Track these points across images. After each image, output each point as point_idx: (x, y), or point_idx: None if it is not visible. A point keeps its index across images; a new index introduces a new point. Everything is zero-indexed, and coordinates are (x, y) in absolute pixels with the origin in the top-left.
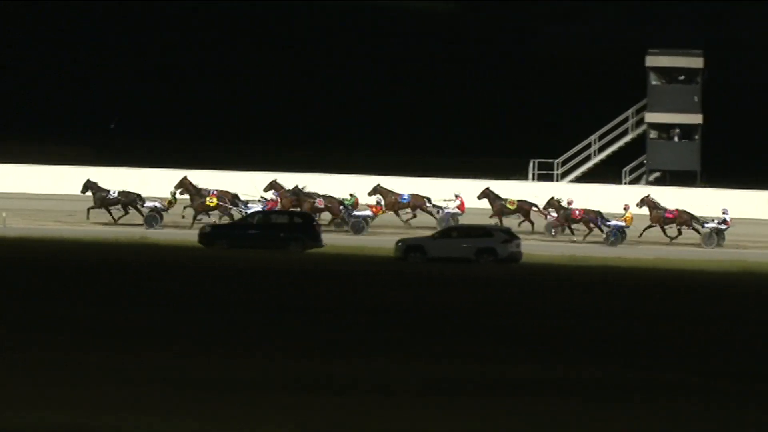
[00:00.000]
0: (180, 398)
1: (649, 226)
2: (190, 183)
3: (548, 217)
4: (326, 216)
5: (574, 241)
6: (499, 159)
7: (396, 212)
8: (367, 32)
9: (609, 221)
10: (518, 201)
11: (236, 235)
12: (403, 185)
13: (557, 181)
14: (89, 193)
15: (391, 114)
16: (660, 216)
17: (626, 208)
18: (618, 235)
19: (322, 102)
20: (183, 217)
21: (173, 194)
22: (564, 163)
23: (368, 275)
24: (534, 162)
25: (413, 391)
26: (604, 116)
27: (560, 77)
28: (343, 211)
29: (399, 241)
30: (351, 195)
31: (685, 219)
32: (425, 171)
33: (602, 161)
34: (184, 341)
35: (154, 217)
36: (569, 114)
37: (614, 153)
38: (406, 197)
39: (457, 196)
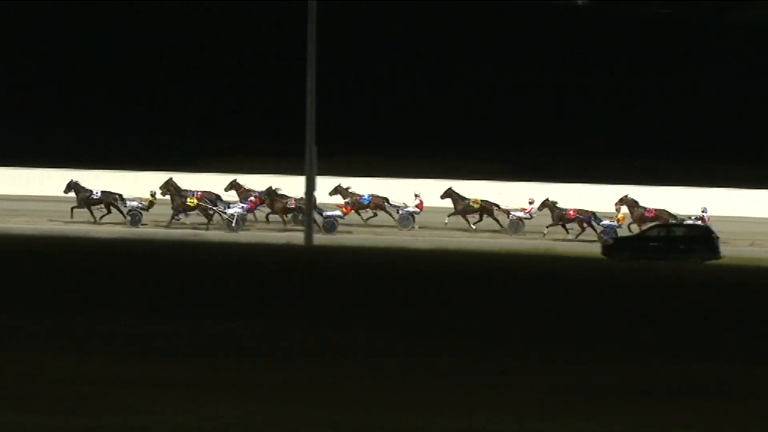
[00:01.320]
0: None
1: (632, 224)
2: (174, 184)
3: (510, 215)
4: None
5: (567, 240)
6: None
7: (357, 212)
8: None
9: (602, 221)
10: (482, 200)
11: (639, 246)
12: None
13: None
14: (72, 194)
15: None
16: (641, 214)
17: (618, 209)
18: (612, 233)
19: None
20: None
21: (153, 194)
22: None
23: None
24: None
25: None
26: None
27: None
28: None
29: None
30: (292, 198)
31: (665, 218)
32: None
33: None
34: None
35: (137, 215)
36: None
37: None
38: (366, 198)
39: (416, 195)
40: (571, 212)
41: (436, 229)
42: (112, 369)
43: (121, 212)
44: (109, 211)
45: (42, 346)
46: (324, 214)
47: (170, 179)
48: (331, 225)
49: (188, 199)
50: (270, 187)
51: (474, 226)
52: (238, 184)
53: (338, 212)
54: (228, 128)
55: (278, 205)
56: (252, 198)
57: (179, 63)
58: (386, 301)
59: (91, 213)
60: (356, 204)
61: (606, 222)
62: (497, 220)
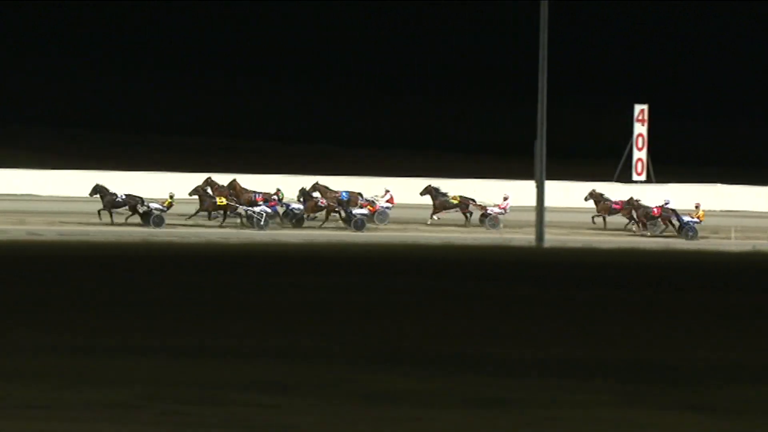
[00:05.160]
0: None
1: (597, 216)
2: (208, 185)
3: (489, 210)
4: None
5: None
6: None
7: (336, 210)
8: None
9: (683, 218)
10: (460, 197)
11: None
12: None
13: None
14: (97, 196)
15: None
16: (608, 207)
17: (698, 206)
18: (695, 230)
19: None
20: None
21: (171, 196)
22: None
23: None
24: None
25: None
26: None
27: None
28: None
29: None
30: (278, 189)
31: (629, 210)
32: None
33: None
34: None
35: (160, 217)
36: None
37: None
38: (345, 195)
39: (387, 191)
40: (655, 210)
41: (447, 224)
42: None
43: (140, 215)
44: (133, 214)
45: None
46: (354, 212)
47: (209, 178)
48: (361, 223)
49: (218, 199)
50: (303, 188)
51: (437, 218)
52: (213, 182)
53: (366, 210)
54: None
55: (310, 204)
56: (274, 197)
57: None
58: None
59: (110, 215)
60: (335, 200)
61: (687, 218)
62: (470, 214)
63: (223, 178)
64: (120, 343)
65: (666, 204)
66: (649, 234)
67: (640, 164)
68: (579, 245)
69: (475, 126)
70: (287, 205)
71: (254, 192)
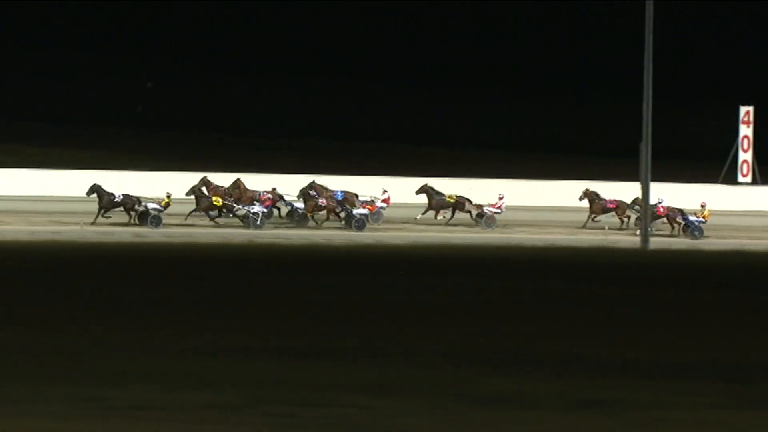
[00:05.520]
0: None
1: (593, 216)
2: (203, 185)
3: (485, 209)
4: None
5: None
6: None
7: (334, 210)
8: None
9: (688, 217)
10: (456, 196)
11: None
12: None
13: None
14: (94, 196)
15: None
16: (602, 206)
17: (703, 206)
18: (701, 230)
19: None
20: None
21: (169, 196)
22: None
23: None
24: None
25: None
26: None
27: None
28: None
29: None
30: (273, 189)
31: (624, 209)
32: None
33: None
34: None
35: (158, 217)
36: None
37: None
38: (340, 194)
39: (384, 191)
40: (661, 209)
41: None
42: None
43: (138, 215)
44: (134, 212)
45: None
46: (354, 212)
47: (204, 178)
48: (361, 223)
49: (214, 199)
50: (303, 188)
51: (443, 218)
52: (209, 181)
53: (366, 210)
54: None
55: (310, 203)
56: (269, 196)
57: None
58: None
59: (105, 216)
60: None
61: (693, 218)
62: (470, 213)
63: (222, 178)
64: (224, 344)
65: (659, 203)
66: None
67: (745, 166)
68: (684, 246)
69: (572, 126)
70: (291, 205)
71: (257, 191)
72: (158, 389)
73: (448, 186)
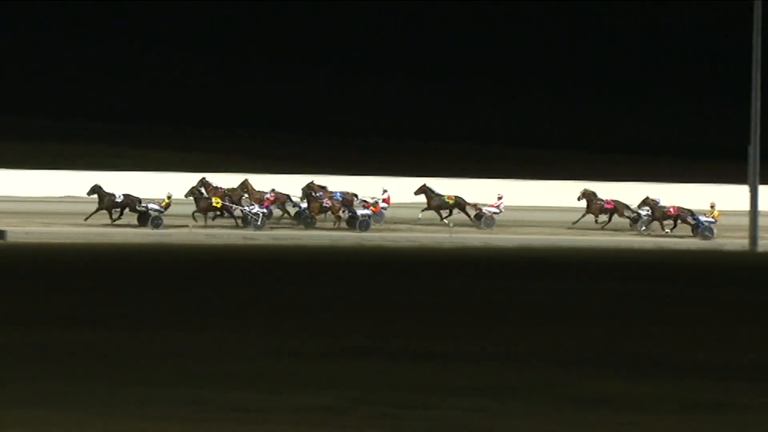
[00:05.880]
0: None
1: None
2: (202, 186)
3: (483, 210)
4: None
5: (665, 235)
6: None
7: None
8: None
9: (698, 217)
10: (455, 197)
11: None
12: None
13: None
14: (94, 196)
15: None
16: (599, 207)
17: (713, 206)
18: (712, 230)
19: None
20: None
21: (169, 196)
22: None
23: None
24: None
25: None
26: None
27: None
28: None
29: None
30: (272, 189)
31: (620, 209)
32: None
33: None
34: None
35: (159, 218)
36: None
37: None
38: (338, 195)
39: (384, 191)
40: (672, 209)
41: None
42: None
43: (138, 215)
44: (134, 213)
45: None
46: (359, 212)
47: (203, 178)
48: (366, 224)
49: (213, 200)
50: (303, 188)
51: (447, 221)
52: (208, 182)
53: (370, 211)
54: None
55: (315, 205)
56: (268, 196)
57: None
58: None
59: (110, 215)
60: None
61: (703, 218)
62: (468, 215)
63: (222, 178)
64: (332, 346)
65: (657, 203)
66: (644, 231)
67: None
68: None
69: (679, 129)
70: (299, 206)
71: (265, 192)
72: (265, 391)
73: (448, 186)
